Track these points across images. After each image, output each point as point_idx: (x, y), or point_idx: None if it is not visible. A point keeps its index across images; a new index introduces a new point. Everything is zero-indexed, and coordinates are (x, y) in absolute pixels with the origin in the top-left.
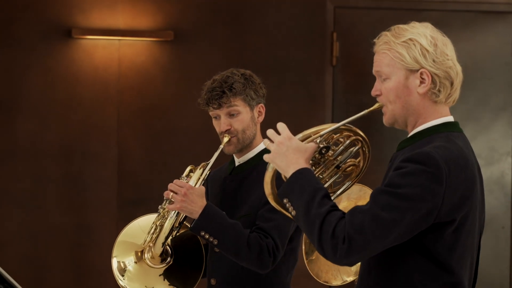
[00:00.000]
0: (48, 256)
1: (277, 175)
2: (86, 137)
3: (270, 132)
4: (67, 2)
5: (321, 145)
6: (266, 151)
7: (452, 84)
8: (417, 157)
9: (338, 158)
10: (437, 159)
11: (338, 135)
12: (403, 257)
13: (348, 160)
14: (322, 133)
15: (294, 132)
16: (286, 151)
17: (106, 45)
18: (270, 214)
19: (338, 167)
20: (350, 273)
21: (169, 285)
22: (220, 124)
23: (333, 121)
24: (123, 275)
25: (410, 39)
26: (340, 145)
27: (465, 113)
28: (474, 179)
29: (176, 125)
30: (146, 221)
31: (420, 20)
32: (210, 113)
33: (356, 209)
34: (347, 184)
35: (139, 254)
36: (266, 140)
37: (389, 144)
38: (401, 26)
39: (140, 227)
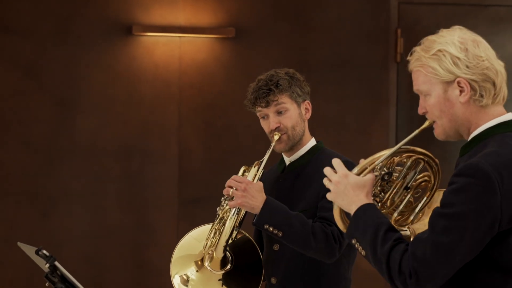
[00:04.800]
0: (108, 255)
1: None
2: (146, 135)
3: (327, 171)
4: None
5: (382, 172)
6: (316, 146)
7: (494, 84)
8: (465, 170)
9: (405, 179)
10: (485, 170)
11: (398, 158)
12: (471, 272)
13: (418, 177)
14: (377, 162)
15: (359, 130)
16: (345, 189)
17: (167, 42)
18: (331, 204)
19: (407, 188)
20: None
21: None
22: (269, 123)
23: (397, 119)
24: (187, 286)
25: (439, 50)
26: (404, 166)
27: None
28: None
29: (237, 123)
30: (200, 231)
31: (486, 16)
32: (258, 113)
33: (417, 239)
34: (424, 199)
35: (199, 262)
36: (325, 179)
37: (454, 145)
38: (430, 37)
39: (195, 238)
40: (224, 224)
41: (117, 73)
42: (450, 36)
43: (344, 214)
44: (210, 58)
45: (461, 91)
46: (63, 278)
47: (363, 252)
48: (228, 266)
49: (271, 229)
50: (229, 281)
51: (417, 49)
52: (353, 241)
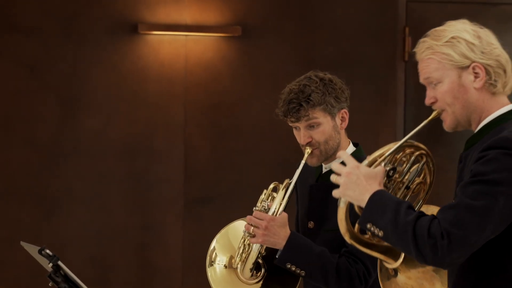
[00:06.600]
0: (113, 256)
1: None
2: (151, 134)
3: (335, 166)
4: None
5: (387, 168)
6: (353, 156)
7: (505, 71)
8: (496, 143)
9: (406, 178)
10: None
11: (400, 154)
12: (498, 256)
13: (416, 179)
14: (387, 154)
15: (366, 129)
16: (357, 179)
17: (173, 41)
18: None
19: (407, 187)
20: None
21: None
22: (300, 136)
23: (405, 118)
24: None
25: (453, 37)
26: (405, 163)
27: None
28: None
29: (243, 123)
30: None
31: (494, 14)
32: (289, 124)
33: (445, 207)
34: (418, 204)
35: (232, 261)
36: (333, 176)
37: (461, 141)
38: (438, 28)
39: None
40: (249, 252)
41: (123, 72)
42: (461, 25)
43: (348, 215)
44: (216, 57)
45: (475, 77)
46: (67, 278)
47: (380, 234)
48: (261, 273)
49: (293, 268)
50: (266, 285)
51: (426, 39)
52: (368, 226)
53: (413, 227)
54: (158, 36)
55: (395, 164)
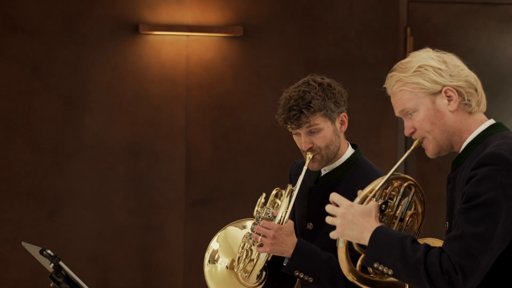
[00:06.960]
0: (115, 256)
1: None
2: (153, 135)
3: (329, 208)
4: None
5: (379, 202)
6: (353, 157)
7: (476, 90)
8: (484, 160)
9: (398, 211)
10: (504, 155)
11: (389, 188)
12: (504, 269)
13: (408, 212)
14: (376, 189)
15: (368, 130)
16: (354, 218)
17: (174, 41)
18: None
19: (401, 219)
20: None
21: None
22: (301, 141)
23: None
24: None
25: (420, 66)
26: (395, 196)
27: None
28: None
29: (245, 123)
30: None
31: (496, 14)
32: (289, 130)
33: (449, 238)
34: (415, 237)
35: (233, 264)
36: (328, 218)
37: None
38: (403, 61)
39: (241, 234)
40: (256, 261)
41: (124, 73)
42: (425, 53)
43: (349, 255)
44: (217, 57)
45: (449, 100)
46: (68, 278)
47: (390, 272)
48: (262, 276)
49: (301, 275)
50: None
51: (394, 73)
52: (375, 265)
53: (424, 264)
54: (160, 36)
55: (386, 198)
